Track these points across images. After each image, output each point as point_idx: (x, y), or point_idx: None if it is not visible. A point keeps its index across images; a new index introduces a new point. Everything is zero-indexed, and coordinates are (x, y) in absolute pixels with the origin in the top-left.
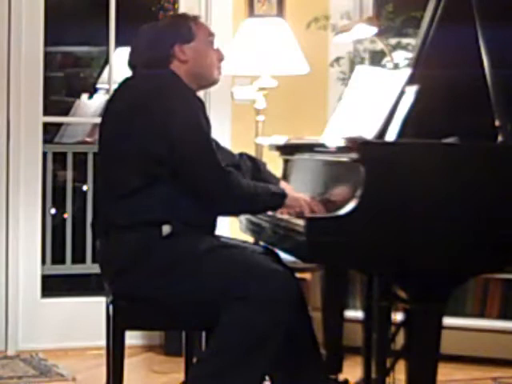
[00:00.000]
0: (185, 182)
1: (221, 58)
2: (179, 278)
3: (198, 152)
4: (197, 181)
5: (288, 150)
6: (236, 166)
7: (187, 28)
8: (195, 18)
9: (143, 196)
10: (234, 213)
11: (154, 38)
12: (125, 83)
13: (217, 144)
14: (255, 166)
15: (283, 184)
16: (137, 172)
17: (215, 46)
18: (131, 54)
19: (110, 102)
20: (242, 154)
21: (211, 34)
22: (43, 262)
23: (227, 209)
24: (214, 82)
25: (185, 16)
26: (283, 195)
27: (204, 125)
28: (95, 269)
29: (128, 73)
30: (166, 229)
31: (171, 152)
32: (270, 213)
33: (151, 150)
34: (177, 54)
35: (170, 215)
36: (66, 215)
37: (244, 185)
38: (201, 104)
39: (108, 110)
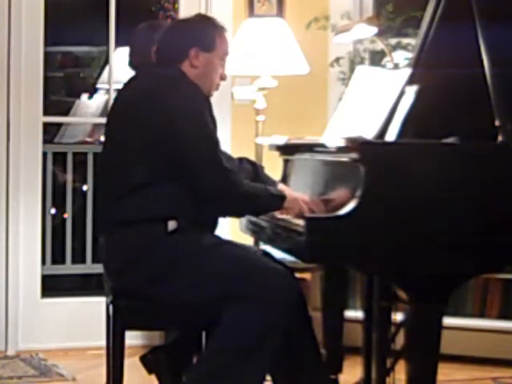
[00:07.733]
0: (189, 179)
1: (223, 78)
2: (180, 275)
3: (201, 150)
4: (199, 179)
5: (288, 150)
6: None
7: (212, 37)
8: (222, 31)
9: (149, 192)
10: (236, 213)
11: (177, 31)
12: (133, 80)
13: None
14: (255, 170)
15: (281, 186)
16: (141, 167)
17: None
18: (132, 54)
19: (115, 99)
20: (241, 159)
21: (227, 53)
22: (43, 262)
23: (228, 208)
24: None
25: (214, 24)
26: (282, 197)
27: (209, 124)
28: (95, 269)
29: (128, 73)
30: (171, 224)
31: (175, 149)
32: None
33: (156, 146)
34: (190, 57)
35: (176, 212)
36: (66, 215)
37: (245, 184)
38: (208, 104)
39: (114, 108)
